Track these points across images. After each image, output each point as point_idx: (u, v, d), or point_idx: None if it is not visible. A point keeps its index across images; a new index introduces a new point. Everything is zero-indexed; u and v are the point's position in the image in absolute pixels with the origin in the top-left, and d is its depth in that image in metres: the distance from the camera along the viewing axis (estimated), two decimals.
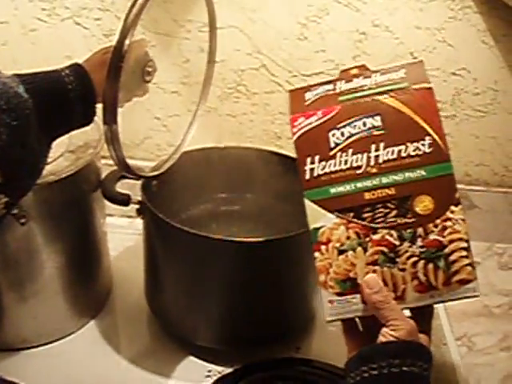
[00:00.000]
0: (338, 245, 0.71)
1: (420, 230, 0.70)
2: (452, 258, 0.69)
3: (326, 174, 0.73)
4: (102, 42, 1.17)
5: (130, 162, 0.84)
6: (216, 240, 0.86)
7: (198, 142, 1.04)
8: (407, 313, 0.70)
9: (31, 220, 0.87)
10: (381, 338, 0.66)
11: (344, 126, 0.73)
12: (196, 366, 0.96)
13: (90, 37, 1.17)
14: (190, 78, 1.20)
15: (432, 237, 0.69)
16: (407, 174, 0.71)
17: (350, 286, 0.70)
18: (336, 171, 0.72)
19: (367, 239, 0.70)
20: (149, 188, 0.96)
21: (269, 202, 1.08)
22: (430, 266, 0.69)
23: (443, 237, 0.69)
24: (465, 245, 0.69)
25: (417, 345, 0.66)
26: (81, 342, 0.99)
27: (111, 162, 0.80)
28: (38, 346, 0.97)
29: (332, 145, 0.73)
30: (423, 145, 0.71)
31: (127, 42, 0.74)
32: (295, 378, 0.92)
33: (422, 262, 0.69)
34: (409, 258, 0.69)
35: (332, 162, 0.73)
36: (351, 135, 0.73)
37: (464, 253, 0.69)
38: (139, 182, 0.95)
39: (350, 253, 0.70)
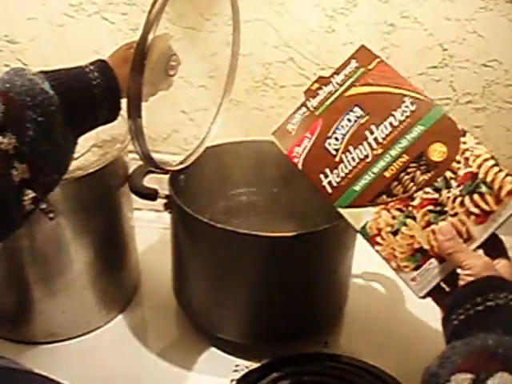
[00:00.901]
0: (389, 229, 0.75)
1: (448, 174, 0.73)
2: (489, 179, 0.71)
3: (342, 178, 0.78)
4: (129, 37, 1.17)
5: (156, 156, 0.84)
6: (243, 235, 0.86)
7: (225, 135, 1.04)
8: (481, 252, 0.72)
9: (59, 215, 0.88)
10: (460, 283, 0.68)
11: (334, 132, 0.80)
12: (223, 360, 0.96)
13: (116, 31, 1.18)
14: (217, 71, 1.20)
15: (461, 172, 0.72)
16: (409, 136, 0.76)
17: (420, 256, 0.73)
18: (350, 171, 0.77)
19: (410, 209, 0.74)
20: (176, 182, 0.96)
21: (297, 196, 1.07)
22: (476, 196, 0.71)
23: (470, 167, 0.72)
24: (492, 162, 0.72)
25: (495, 278, 0.67)
26: (109, 336, 1.00)
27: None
28: (66, 340, 0.98)
29: (333, 152, 0.79)
30: (406, 106, 0.77)
31: (150, 36, 0.74)
32: (323, 373, 0.91)
33: (467, 197, 0.71)
34: (454, 201, 0.72)
35: (341, 166, 0.78)
36: (344, 135, 0.79)
37: (496, 169, 0.72)
38: (167, 177, 0.95)
39: (403, 228, 0.74)
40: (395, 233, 0.74)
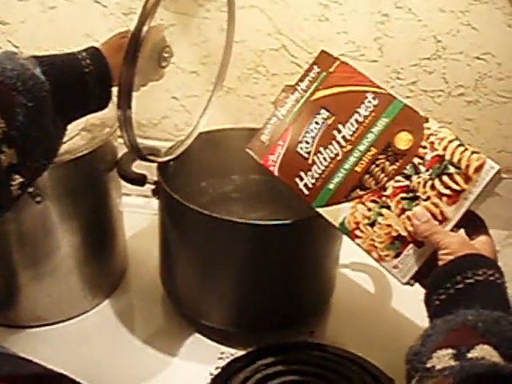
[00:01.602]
0: (366, 221, 0.77)
1: (416, 160, 0.76)
2: (455, 159, 0.74)
3: (317, 179, 0.82)
4: (121, 21, 1.17)
5: (146, 142, 0.84)
6: (230, 222, 0.86)
7: (216, 122, 1.04)
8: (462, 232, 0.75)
9: (47, 199, 0.87)
10: (439, 264, 0.69)
11: (304, 136, 0.83)
12: (209, 347, 0.96)
13: (108, 15, 1.17)
14: (209, 58, 1.19)
15: (428, 157, 0.75)
16: (374, 130, 0.79)
17: (399, 243, 0.75)
18: (323, 171, 0.81)
19: (384, 199, 0.77)
20: (165, 168, 0.96)
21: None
22: (445, 178, 0.74)
23: (436, 150, 0.75)
24: (457, 142, 0.74)
25: (473, 255, 0.68)
26: (95, 321, 1.00)
27: None
28: (52, 324, 0.98)
29: (306, 155, 0.83)
30: (369, 102, 0.80)
31: (145, 28, 0.74)
32: (308, 362, 0.91)
33: (437, 180, 0.74)
34: (425, 185, 0.75)
35: (315, 167, 0.82)
36: (314, 138, 0.83)
37: (461, 148, 0.74)
38: None
39: (380, 219, 0.77)
40: (372, 224, 0.77)
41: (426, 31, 1.14)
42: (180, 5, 1.15)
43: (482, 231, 0.73)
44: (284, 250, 0.90)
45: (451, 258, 0.68)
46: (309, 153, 0.83)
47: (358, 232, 0.78)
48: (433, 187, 0.74)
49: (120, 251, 1.08)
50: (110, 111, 0.90)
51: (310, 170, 0.82)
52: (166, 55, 0.88)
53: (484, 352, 0.56)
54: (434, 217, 0.73)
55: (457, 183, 0.73)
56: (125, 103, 0.77)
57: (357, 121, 0.81)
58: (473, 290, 0.65)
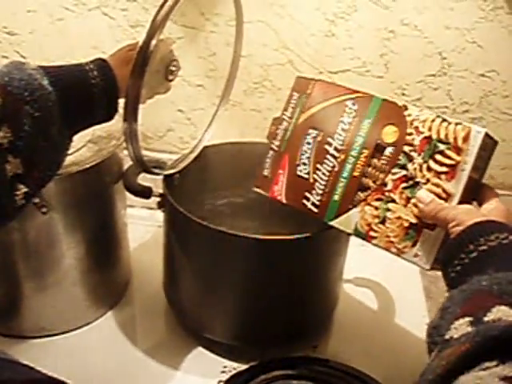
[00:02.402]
0: (376, 220, 0.79)
1: (406, 148, 0.77)
2: (442, 135, 0.75)
3: (321, 195, 0.85)
4: (128, 33, 1.17)
5: (151, 154, 0.84)
6: (235, 236, 0.86)
7: (222, 136, 1.04)
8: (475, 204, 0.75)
9: (52, 210, 0.87)
10: (450, 237, 0.70)
11: (300, 159, 0.87)
12: (211, 361, 0.95)
13: (116, 27, 1.17)
14: (215, 71, 1.20)
15: (417, 142, 0.77)
16: (361, 133, 0.82)
17: (413, 232, 0.76)
18: (325, 186, 0.84)
19: (387, 194, 0.79)
20: (171, 181, 0.96)
21: None
22: (438, 156, 0.75)
23: (422, 133, 0.77)
24: (439, 120, 0.76)
25: (482, 222, 0.68)
26: (98, 332, 1.00)
27: None
28: (55, 335, 0.98)
29: (306, 176, 0.87)
30: (350, 108, 0.84)
31: (154, 42, 0.74)
32: (311, 377, 0.91)
33: (431, 160, 0.75)
34: (421, 169, 0.76)
35: (317, 184, 0.85)
36: (309, 157, 0.86)
37: (445, 124, 0.75)
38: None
39: (388, 214, 0.78)
40: (383, 221, 0.79)
41: (431, 48, 1.14)
42: (187, 18, 1.15)
43: (489, 197, 0.73)
44: (288, 265, 0.90)
45: (461, 228, 0.68)
46: (308, 173, 0.86)
47: (372, 233, 0.80)
48: (429, 169, 0.75)
49: (124, 263, 1.08)
50: (117, 123, 0.91)
51: (314, 189, 0.85)
52: (173, 69, 0.88)
53: (501, 313, 0.55)
54: (439, 196, 0.74)
55: (450, 158, 0.74)
56: (131, 116, 0.77)
57: (343, 129, 0.84)
58: (487, 257, 0.64)
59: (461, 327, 0.56)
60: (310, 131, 0.87)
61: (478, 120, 1.19)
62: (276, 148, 0.91)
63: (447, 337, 0.57)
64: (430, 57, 1.15)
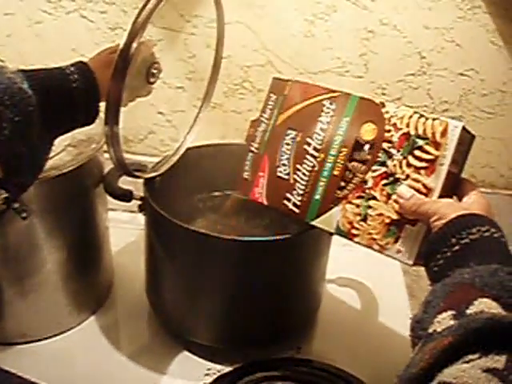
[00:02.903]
0: (358, 218, 0.79)
1: (385, 145, 0.78)
2: (420, 131, 0.75)
3: (302, 195, 0.85)
4: (107, 36, 1.17)
5: (132, 157, 0.84)
6: (216, 238, 0.85)
7: (202, 137, 1.04)
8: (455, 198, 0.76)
9: (32, 214, 0.86)
10: (432, 231, 0.70)
11: (280, 160, 0.88)
12: (195, 364, 0.95)
13: (95, 30, 1.17)
14: (195, 73, 1.19)
15: (395, 138, 0.77)
16: (340, 131, 0.82)
17: (395, 228, 0.76)
18: (305, 186, 0.85)
19: (368, 191, 0.79)
20: (152, 184, 0.96)
21: None
22: (416, 152, 0.75)
23: (400, 129, 0.77)
24: (417, 116, 0.76)
25: (464, 215, 0.68)
26: (81, 337, 0.99)
27: None
28: (38, 341, 0.97)
29: (286, 177, 0.87)
30: (328, 108, 0.84)
31: (134, 44, 0.74)
32: (295, 378, 0.91)
33: (410, 156, 0.76)
34: (400, 166, 0.76)
35: (297, 185, 0.85)
36: (288, 158, 0.87)
37: (422, 119, 0.76)
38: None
39: (370, 211, 0.78)
40: (365, 219, 0.79)
41: (410, 48, 1.15)
42: (167, 20, 1.15)
43: (469, 190, 0.74)
44: (270, 266, 0.90)
45: (443, 221, 0.68)
46: (288, 174, 0.87)
47: (354, 231, 0.80)
48: (408, 165, 0.76)
49: (106, 267, 1.07)
50: (97, 127, 0.90)
51: (295, 189, 0.86)
52: (154, 71, 0.88)
53: (483, 305, 0.55)
54: (419, 191, 0.74)
55: (429, 153, 0.74)
56: (112, 119, 0.76)
57: (322, 129, 0.84)
58: (469, 250, 0.65)
59: (444, 321, 0.57)
60: (289, 132, 0.87)
61: (457, 119, 1.20)
62: (255, 150, 0.92)
63: (430, 331, 0.57)
64: (410, 56, 1.16)
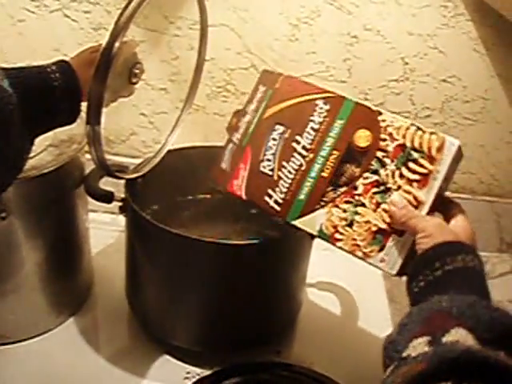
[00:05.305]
0: (343, 223, 0.78)
1: (380, 153, 0.76)
2: (416, 144, 0.74)
3: (286, 193, 0.82)
4: (91, 36, 1.16)
5: (114, 158, 0.83)
6: (196, 241, 0.85)
7: (185, 140, 1.03)
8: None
9: (11, 215, 0.86)
10: (417, 248, 0.70)
11: (264, 155, 0.85)
12: (175, 367, 0.94)
13: (78, 29, 1.16)
14: (178, 75, 1.19)
15: (390, 148, 0.76)
16: (332, 133, 0.80)
17: (381, 236, 0.76)
18: (290, 184, 0.82)
19: (357, 198, 0.77)
20: (133, 185, 0.95)
21: None
22: (411, 164, 0.74)
23: (396, 140, 0.76)
24: (414, 128, 0.75)
25: (451, 242, 0.68)
26: (59, 339, 0.98)
27: None
28: (15, 342, 0.95)
29: (270, 173, 0.84)
30: (321, 108, 0.82)
31: (117, 44, 0.73)
32: (274, 382, 0.91)
33: (403, 168, 0.75)
34: (393, 176, 0.75)
35: (281, 182, 0.83)
36: (274, 154, 0.84)
37: (420, 132, 0.74)
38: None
39: (357, 217, 0.77)
40: (350, 224, 0.77)
41: (394, 53, 1.15)
42: (150, 21, 1.14)
43: (458, 215, 0.74)
44: (251, 270, 0.90)
45: (427, 240, 0.68)
46: (272, 169, 0.84)
47: (337, 235, 0.78)
48: (401, 176, 0.75)
49: (85, 268, 1.06)
50: (79, 127, 0.90)
51: (278, 186, 0.83)
52: (136, 72, 0.87)
53: (459, 335, 0.56)
54: (409, 203, 0.74)
55: (423, 166, 0.74)
56: (94, 119, 0.76)
57: (313, 129, 0.82)
58: (451, 277, 0.65)
59: (419, 346, 0.57)
60: (277, 127, 0.85)
61: (439, 125, 1.21)
62: (237, 141, 0.89)
63: (404, 354, 0.58)
64: (393, 62, 1.16)
